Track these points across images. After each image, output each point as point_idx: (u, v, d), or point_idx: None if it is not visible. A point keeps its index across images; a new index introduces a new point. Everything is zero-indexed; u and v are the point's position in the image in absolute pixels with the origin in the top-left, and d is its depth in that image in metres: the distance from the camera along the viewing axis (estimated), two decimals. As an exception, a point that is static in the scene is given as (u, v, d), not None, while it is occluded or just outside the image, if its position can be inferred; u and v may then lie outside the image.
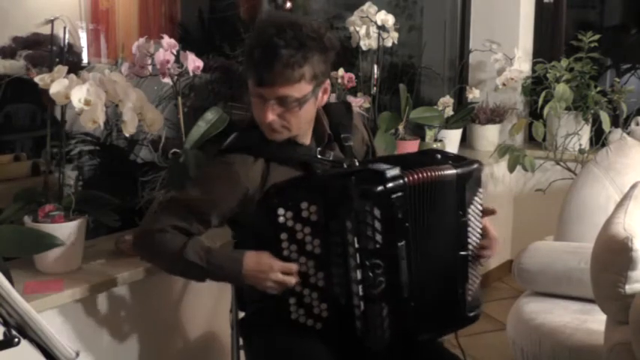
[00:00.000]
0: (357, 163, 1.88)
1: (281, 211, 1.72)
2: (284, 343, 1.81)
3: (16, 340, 1.13)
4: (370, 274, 1.69)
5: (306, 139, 1.87)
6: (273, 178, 1.81)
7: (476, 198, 1.85)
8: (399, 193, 1.69)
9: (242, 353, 2.05)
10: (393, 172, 1.70)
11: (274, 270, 1.73)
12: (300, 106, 1.76)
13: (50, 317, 1.92)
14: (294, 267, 1.74)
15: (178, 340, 2.30)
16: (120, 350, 2.13)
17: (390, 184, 1.68)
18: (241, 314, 2.04)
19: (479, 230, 1.88)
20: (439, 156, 1.86)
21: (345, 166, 1.86)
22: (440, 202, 1.77)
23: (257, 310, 1.94)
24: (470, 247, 1.85)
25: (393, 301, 1.73)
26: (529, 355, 2.49)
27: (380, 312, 1.72)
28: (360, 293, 1.71)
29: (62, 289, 1.93)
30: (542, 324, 2.46)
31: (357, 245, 1.69)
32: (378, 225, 1.68)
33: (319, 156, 1.84)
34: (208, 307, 2.36)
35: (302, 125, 1.82)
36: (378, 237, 1.69)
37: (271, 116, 1.75)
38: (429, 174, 1.74)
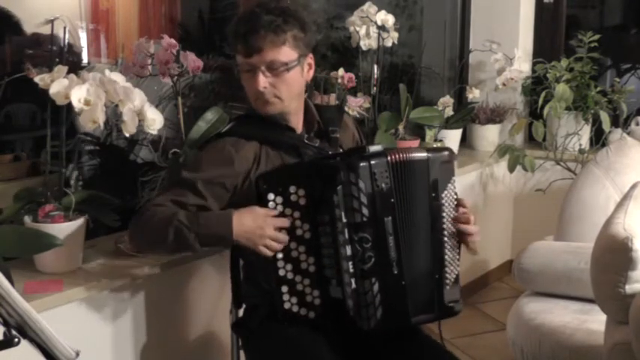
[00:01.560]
0: (340, 151, 2.00)
1: (271, 196, 1.79)
2: (281, 340, 1.83)
3: (16, 340, 1.13)
4: (359, 247, 1.75)
5: (298, 126, 1.98)
6: (264, 161, 1.91)
7: (449, 185, 1.88)
8: (383, 168, 1.77)
9: (242, 353, 2.06)
10: (376, 147, 1.81)
11: (269, 226, 1.77)
12: (287, 71, 1.86)
13: (50, 317, 1.91)
14: (286, 221, 1.79)
15: (178, 340, 2.30)
16: (120, 350, 2.13)
17: (373, 160, 1.76)
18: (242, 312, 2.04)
19: (452, 214, 1.89)
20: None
21: (329, 153, 1.96)
22: (417, 182, 1.83)
23: (252, 306, 1.96)
24: (445, 232, 1.87)
25: (383, 278, 1.77)
26: (529, 356, 2.49)
27: (370, 288, 1.76)
28: (351, 270, 1.75)
29: (62, 289, 1.94)
30: (542, 324, 2.46)
31: (344, 220, 1.74)
32: (363, 198, 1.74)
33: (307, 142, 1.94)
34: (208, 307, 2.36)
35: (292, 95, 1.91)
36: (365, 210, 1.74)
37: (263, 83, 1.85)
38: (408, 154, 1.82)
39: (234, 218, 1.78)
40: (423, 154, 1.85)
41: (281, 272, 1.80)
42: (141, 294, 2.16)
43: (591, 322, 2.37)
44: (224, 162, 1.88)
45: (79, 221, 2.03)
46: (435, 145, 3.41)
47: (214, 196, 1.87)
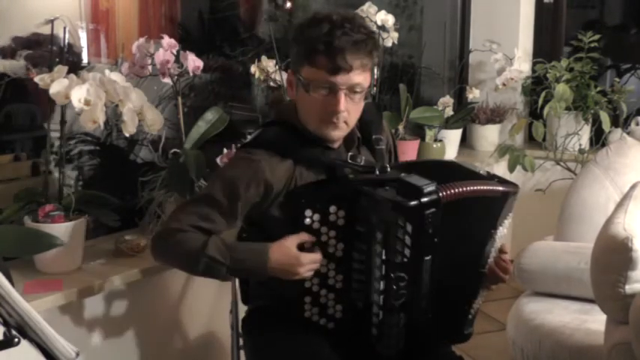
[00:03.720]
0: (388, 169, 1.78)
1: (308, 212, 1.69)
2: (286, 341, 1.80)
3: (16, 340, 1.13)
4: (394, 286, 1.66)
5: (336, 143, 1.82)
6: (299, 181, 1.76)
7: (505, 222, 1.78)
8: (433, 210, 1.62)
9: (242, 353, 2.05)
10: (430, 188, 1.63)
11: (303, 263, 1.69)
12: (364, 98, 1.74)
13: (50, 317, 1.92)
14: (319, 257, 1.71)
15: (178, 340, 2.30)
16: (120, 350, 2.13)
17: (425, 199, 1.61)
18: (242, 312, 2.04)
19: (496, 253, 1.83)
20: (483, 172, 1.80)
21: (377, 172, 1.76)
22: (475, 219, 1.72)
23: (259, 307, 1.93)
24: (487, 267, 1.81)
25: (411, 312, 1.70)
26: (529, 356, 2.48)
27: (397, 322, 1.70)
28: (381, 303, 1.69)
29: (62, 289, 1.94)
30: (542, 324, 2.46)
31: (384, 257, 1.66)
32: (408, 240, 1.62)
33: (350, 161, 1.76)
34: (208, 307, 2.36)
35: (355, 122, 1.78)
36: (407, 251, 1.63)
37: (344, 105, 1.70)
38: (466, 189, 1.66)
39: (270, 254, 1.70)
40: (496, 189, 1.71)
41: (307, 284, 1.74)
42: (141, 294, 2.16)
43: (591, 322, 2.37)
44: (254, 176, 1.72)
45: (79, 221, 2.03)
46: (435, 146, 3.41)
47: (243, 208, 1.75)
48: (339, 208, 1.70)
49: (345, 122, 1.74)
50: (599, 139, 3.60)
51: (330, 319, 1.77)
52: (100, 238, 2.32)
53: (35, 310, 1.15)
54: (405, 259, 1.64)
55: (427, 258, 1.66)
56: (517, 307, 2.64)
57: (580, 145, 3.65)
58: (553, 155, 3.68)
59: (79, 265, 2.08)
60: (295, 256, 1.69)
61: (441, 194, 1.62)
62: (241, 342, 2.04)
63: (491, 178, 1.78)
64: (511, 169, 3.56)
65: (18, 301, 1.11)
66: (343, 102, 1.70)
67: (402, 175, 1.71)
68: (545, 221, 3.22)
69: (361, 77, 1.70)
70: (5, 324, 1.14)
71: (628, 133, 3.13)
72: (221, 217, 1.74)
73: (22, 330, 1.14)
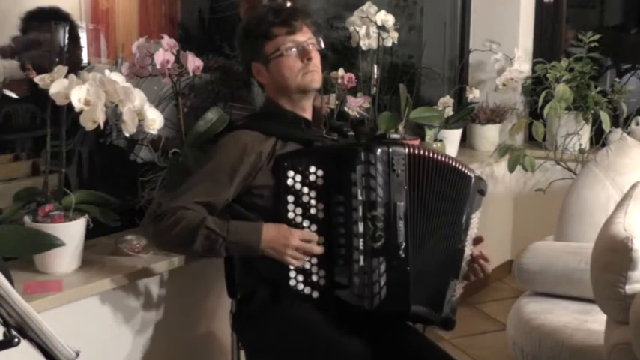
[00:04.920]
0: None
1: (290, 173, 1.88)
2: (282, 321, 1.86)
3: (16, 340, 1.13)
4: (371, 225, 1.84)
5: (309, 114, 2.08)
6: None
7: (477, 213, 2.00)
8: (400, 156, 1.88)
9: (242, 353, 2.06)
10: (395, 136, 1.98)
11: (294, 236, 1.83)
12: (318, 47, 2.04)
13: (50, 317, 1.91)
14: (314, 235, 1.85)
15: (178, 340, 2.30)
16: (120, 350, 2.13)
17: (392, 147, 1.89)
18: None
19: (471, 244, 2.00)
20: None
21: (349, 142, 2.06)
22: (447, 188, 1.93)
23: (247, 296, 1.98)
24: (466, 248, 1.97)
25: (390, 259, 1.85)
26: (529, 355, 2.48)
27: (378, 266, 1.83)
28: (361, 247, 1.83)
29: (62, 289, 1.93)
30: (542, 324, 2.46)
31: (360, 197, 1.84)
32: (380, 179, 1.85)
33: (325, 135, 2.04)
34: (208, 307, 2.36)
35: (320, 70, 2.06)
36: (380, 190, 1.85)
37: (315, 53, 2.01)
38: (434, 156, 1.94)
39: (263, 228, 1.84)
40: (470, 173, 1.98)
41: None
42: (141, 294, 2.16)
43: (591, 322, 2.37)
44: (244, 154, 1.93)
45: (79, 221, 2.03)
46: (435, 146, 3.41)
47: (236, 186, 1.92)
48: (318, 168, 1.89)
49: (317, 72, 2.02)
50: (599, 139, 3.60)
51: (314, 286, 1.86)
52: (100, 238, 2.32)
53: (35, 310, 1.14)
54: (379, 199, 1.85)
55: (400, 203, 1.87)
56: (517, 307, 2.64)
57: (580, 145, 3.65)
58: (553, 155, 3.68)
59: (79, 265, 2.08)
60: (287, 229, 1.85)
61: (407, 148, 1.91)
62: (238, 334, 2.05)
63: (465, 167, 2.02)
64: (511, 169, 3.56)
65: (18, 301, 1.11)
66: (313, 51, 2.01)
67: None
68: (545, 221, 3.23)
69: (309, 33, 2.03)
70: (5, 324, 1.14)
71: (628, 133, 3.13)
72: (219, 190, 1.91)
73: (22, 330, 1.14)
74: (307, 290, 1.86)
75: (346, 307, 1.85)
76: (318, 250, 1.85)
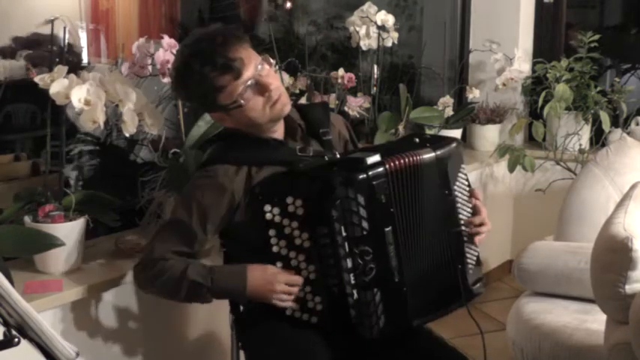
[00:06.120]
0: (337, 155, 1.91)
1: (267, 207, 1.76)
2: (281, 338, 1.82)
3: (16, 340, 1.13)
4: (360, 261, 1.73)
5: (280, 133, 1.90)
6: (257, 182, 1.83)
7: (460, 175, 1.89)
8: (382, 179, 1.74)
9: (242, 353, 2.05)
10: (373, 158, 1.75)
11: (279, 282, 1.76)
12: (269, 64, 1.84)
13: (50, 317, 1.92)
14: (299, 279, 1.77)
15: (178, 340, 2.30)
16: (120, 350, 2.13)
17: (371, 172, 1.72)
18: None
19: (468, 205, 1.92)
20: (417, 140, 1.90)
21: (326, 158, 1.88)
22: (424, 184, 1.81)
23: (251, 307, 1.95)
24: (462, 222, 1.89)
25: (385, 287, 1.77)
26: (529, 356, 2.48)
27: (372, 298, 1.76)
28: (352, 281, 1.74)
29: (62, 289, 1.94)
30: (542, 324, 2.46)
31: (344, 234, 1.72)
32: (363, 212, 1.72)
33: (299, 153, 1.86)
34: (208, 307, 2.35)
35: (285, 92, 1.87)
36: (365, 224, 1.72)
37: (276, 79, 1.82)
38: (408, 159, 1.78)
39: (248, 274, 1.78)
40: (430, 155, 1.82)
41: None
42: (141, 294, 2.16)
43: (591, 322, 2.37)
44: (216, 191, 1.81)
45: (79, 221, 2.03)
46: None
47: (212, 224, 1.83)
48: (296, 198, 1.75)
49: (281, 93, 1.82)
50: (599, 139, 3.60)
51: (312, 313, 1.81)
52: (100, 238, 2.32)
53: (35, 310, 1.15)
54: (365, 232, 1.73)
55: (387, 229, 1.75)
56: (517, 307, 2.64)
57: (580, 145, 3.65)
58: (553, 155, 3.67)
59: (79, 265, 2.08)
60: (272, 272, 1.77)
61: (386, 165, 1.75)
62: (240, 339, 2.04)
63: (435, 142, 1.88)
64: (511, 169, 3.56)
65: (18, 301, 1.11)
66: (273, 78, 1.82)
67: (349, 155, 1.90)
68: (545, 221, 3.22)
69: (253, 59, 1.79)
70: (5, 324, 1.14)
71: (628, 133, 3.13)
72: (194, 237, 1.82)
73: (22, 330, 1.14)
74: (305, 317, 1.81)
75: (346, 332, 1.79)
76: (296, 291, 1.78)
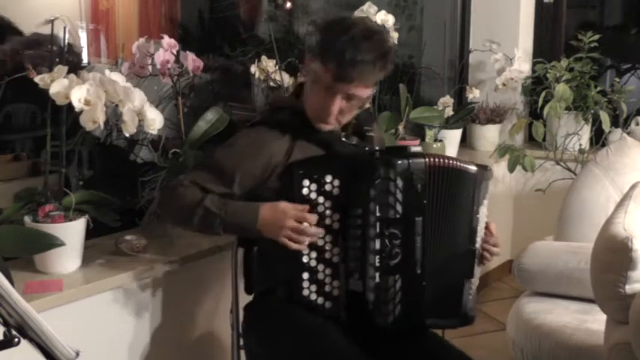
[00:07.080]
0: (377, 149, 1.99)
1: (306, 182, 1.81)
2: (294, 323, 1.83)
3: (16, 340, 1.13)
4: (388, 243, 1.79)
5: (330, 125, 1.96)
6: (297, 156, 1.89)
7: (485, 201, 1.93)
8: (420, 169, 1.81)
9: (242, 353, 2.05)
10: (415, 149, 1.88)
11: (288, 218, 1.78)
12: (360, 107, 1.92)
13: (50, 317, 1.91)
14: (309, 217, 1.79)
15: (178, 339, 2.30)
16: (120, 350, 2.13)
17: (412, 159, 1.81)
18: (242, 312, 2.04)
19: (483, 232, 1.96)
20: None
21: (367, 149, 1.95)
22: (458, 192, 1.88)
23: (265, 292, 1.96)
24: (477, 244, 1.92)
25: (406, 276, 1.81)
26: (529, 356, 2.48)
27: (394, 284, 1.80)
28: (377, 264, 1.79)
29: (62, 289, 1.93)
30: (542, 324, 2.46)
31: (378, 214, 1.78)
32: (399, 195, 1.79)
33: (344, 139, 1.93)
34: (208, 307, 2.36)
35: (346, 121, 1.95)
36: (399, 207, 1.79)
37: (337, 109, 1.86)
38: (450, 162, 1.86)
39: (260, 209, 1.82)
40: (472, 168, 1.90)
41: (304, 259, 1.82)
42: (141, 294, 2.16)
43: (591, 322, 2.37)
44: (257, 152, 1.88)
45: (79, 221, 2.03)
46: (435, 146, 3.41)
47: (241, 185, 1.89)
48: (335, 177, 1.81)
49: (338, 122, 1.91)
50: (599, 139, 3.60)
51: (327, 297, 1.83)
52: (100, 238, 2.32)
53: (35, 310, 1.14)
54: (398, 216, 1.79)
55: (418, 219, 1.81)
56: (517, 307, 2.64)
57: (580, 145, 3.65)
58: (553, 155, 3.68)
59: (79, 265, 2.08)
60: (282, 207, 1.80)
61: (426, 158, 1.83)
62: (241, 342, 2.04)
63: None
64: (511, 169, 3.56)
65: (18, 301, 1.11)
66: (337, 105, 1.86)
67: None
68: (545, 221, 3.23)
69: (361, 91, 1.85)
70: (5, 324, 1.14)
71: (628, 133, 3.13)
72: (220, 183, 1.88)
73: (22, 330, 1.14)
74: (320, 300, 1.83)
75: (360, 321, 1.82)
76: (312, 231, 1.79)
